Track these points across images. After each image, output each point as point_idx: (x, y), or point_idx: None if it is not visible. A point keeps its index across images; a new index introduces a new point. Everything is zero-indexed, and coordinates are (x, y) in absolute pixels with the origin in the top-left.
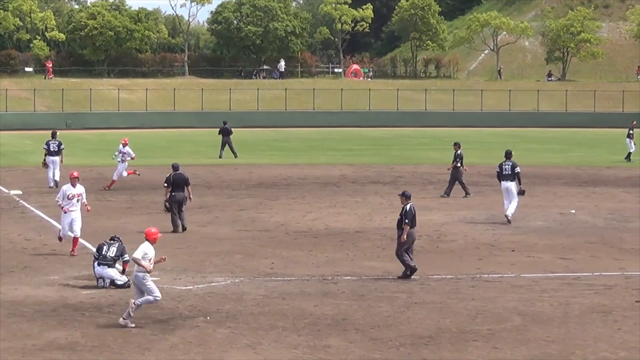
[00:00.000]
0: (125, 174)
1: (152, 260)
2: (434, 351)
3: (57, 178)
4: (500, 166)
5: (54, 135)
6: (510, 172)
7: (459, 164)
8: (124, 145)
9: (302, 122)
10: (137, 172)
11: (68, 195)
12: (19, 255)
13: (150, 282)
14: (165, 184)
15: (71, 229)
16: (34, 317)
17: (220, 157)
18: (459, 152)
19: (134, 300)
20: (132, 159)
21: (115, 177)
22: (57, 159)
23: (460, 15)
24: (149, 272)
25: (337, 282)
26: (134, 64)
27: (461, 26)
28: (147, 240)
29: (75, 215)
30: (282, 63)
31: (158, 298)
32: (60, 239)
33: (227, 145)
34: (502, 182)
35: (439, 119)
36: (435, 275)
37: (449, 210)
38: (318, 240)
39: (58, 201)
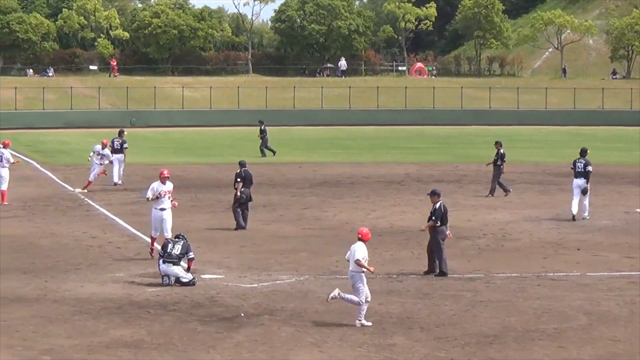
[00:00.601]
0: (97, 175)
1: (366, 260)
2: (499, 350)
3: (115, 179)
4: (574, 163)
5: (120, 134)
6: (582, 170)
7: (498, 163)
8: (104, 146)
9: (366, 120)
10: (105, 172)
11: (159, 193)
12: (84, 253)
13: (362, 285)
14: (238, 179)
15: (162, 228)
16: (100, 315)
17: (274, 153)
18: (501, 151)
19: (359, 299)
20: (110, 162)
21: (91, 178)
22: (120, 156)
23: (524, 14)
24: (371, 272)
25: (402, 280)
26: (197, 62)
27: (525, 24)
28: (360, 240)
29: (167, 214)
30: (343, 61)
31: (362, 301)
32: (152, 240)
33: (264, 143)
34: (574, 179)
35: (503, 117)
36: (500, 274)
37: (514, 209)
38: (382, 238)
39: (148, 198)
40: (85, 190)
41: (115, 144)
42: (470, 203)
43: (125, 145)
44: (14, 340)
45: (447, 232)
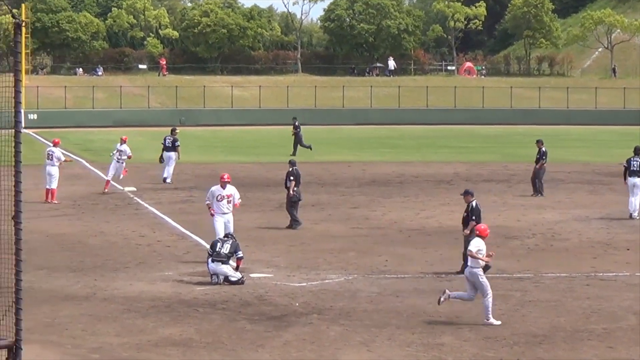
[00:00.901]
0: (121, 175)
1: (482, 253)
2: (548, 350)
3: (165, 175)
4: (629, 162)
5: (173, 132)
6: (638, 169)
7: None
8: (122, 142)
9: (415, 119)
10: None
11: (217, 197)
12: (134, 251)
13: (484, 278)
14: (291, 178)
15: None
16: (149, 313)
17: (295, 153)
18: (543, 149)
19: (487, 292)
20: (128, 157)
21: (109, 177)
22: (172, 154)
23: (573, 13)
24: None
25: (451, 279)
26: (247, 62)
27: (575, 24)
28: (479, 236)
29: (228, 217)
30: (392, 61)
31: (490, 296)
32: None
33: (300, 140)
34: (629, 177)
35: (552, 117)
36: (549, 274)
37: (563, 209)
38: (431, 238)
39: (207, 202)
40: (106, 190)
41: (167, 142)
42: (519, 203)
43: (177, 143)
44: (63, 339)
45: None
